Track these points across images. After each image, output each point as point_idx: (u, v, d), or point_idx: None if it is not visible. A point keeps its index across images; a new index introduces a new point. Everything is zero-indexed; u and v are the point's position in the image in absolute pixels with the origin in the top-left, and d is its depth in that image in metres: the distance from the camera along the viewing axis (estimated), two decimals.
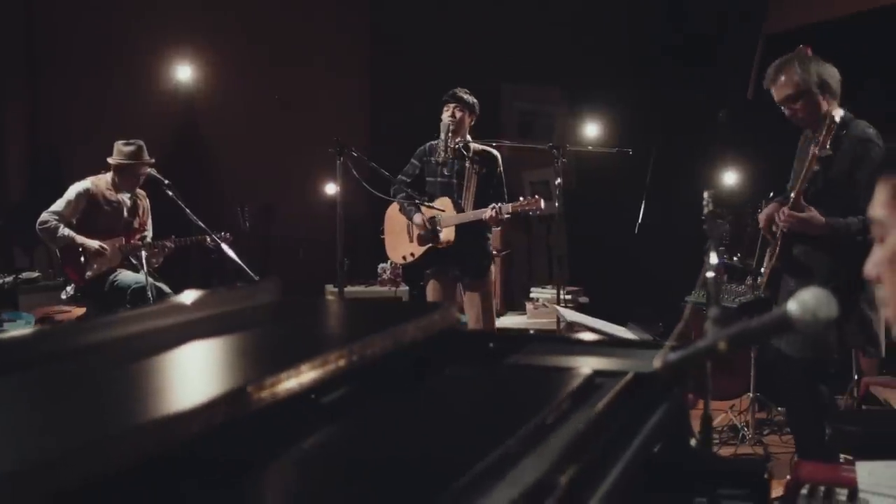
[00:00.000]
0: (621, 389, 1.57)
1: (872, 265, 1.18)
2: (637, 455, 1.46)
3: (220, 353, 1.63)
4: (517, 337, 2.05)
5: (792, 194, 3.83)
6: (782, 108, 3.93)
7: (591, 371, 1.67)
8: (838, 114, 3.64)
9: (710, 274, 1.71)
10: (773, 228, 3.99)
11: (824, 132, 3.63)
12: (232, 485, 1.12)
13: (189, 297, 1.87)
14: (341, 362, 1.50)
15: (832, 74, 3.86)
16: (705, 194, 1.89)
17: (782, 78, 3.87)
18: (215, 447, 1.18)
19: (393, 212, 5.81)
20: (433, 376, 1.69)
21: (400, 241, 5.76)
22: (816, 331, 1.16)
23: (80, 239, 5.76)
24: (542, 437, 1.31)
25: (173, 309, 1.83)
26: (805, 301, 1.15)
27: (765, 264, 4.16)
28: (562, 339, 2.30)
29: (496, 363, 1.85)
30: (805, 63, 3.84)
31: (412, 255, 5.67)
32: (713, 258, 1.71)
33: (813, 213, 3.73)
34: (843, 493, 1.85)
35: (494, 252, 5.91)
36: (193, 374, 1.51)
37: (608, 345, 2.03)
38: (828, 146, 3.63)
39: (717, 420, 5.39)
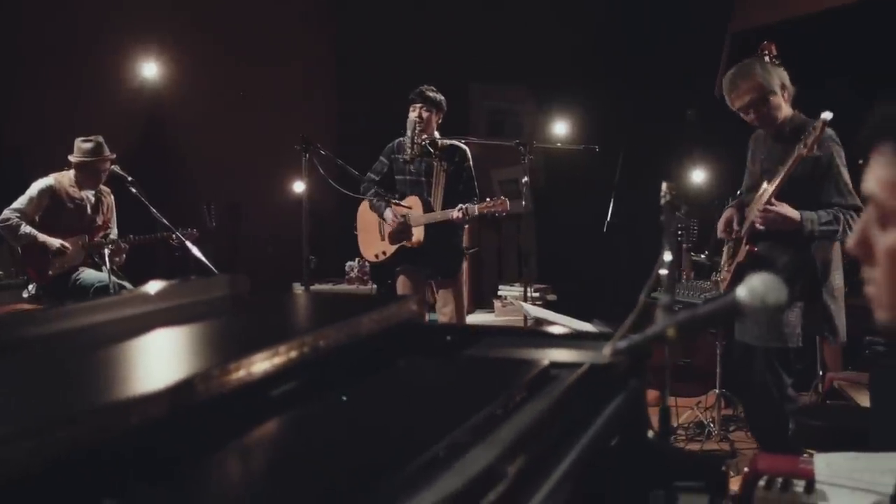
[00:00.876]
0: (576, 380, 1.56)
1: (860, 243, 1.15)
2: (590, 446, 1.44)
3: (173, 344, 1.61)
4: (476, 330, 2.02)
5: (768, 188, 3.85)
6: (741, 113, 3.98)
7: (548, 363, 1.65)
8: (827, 115, 3.68)
9: (663, 272, 1.69)
10: (735, 227, 4.08)
11: (815, 133, 3.65)
12: (172, 475, 1.10)
13: (148, 288, 1.85)
14: (293, 354, 1.48)
15: (786, 75, 3.94)
16: (664, 185, 1.88)
17: (745, 84, 3.91)
18: (162, 437, 1.16)
19: (365, 209, 5.79)
20: (388, 368, 1.67)
21: (372, 239, 5.74)
22: (766, 316, 1.15)
23: (42, 237, 5.69)
24: (493, 426, 1.29)
25: (130, 300, 1.81)
26: (754, 287, 1.15)
27: (723, 264, 4.25)
28: (521, 333, 2.29)
29: (453, 355, 1.83)
30: (766, 66, 3.91)
31: (384, 253, 5.66)
32: (667, 255, 1.69)
33: (787, 208, 3.79)
34: (800, 485, 1.85)
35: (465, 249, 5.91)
36: (144, 365, 1.48)
37: (567, 338, 2.02)
38: (815, 148, 3.67)
39: (684, 417, 5.41)
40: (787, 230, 3.81)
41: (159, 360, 1.52)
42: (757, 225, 3.87)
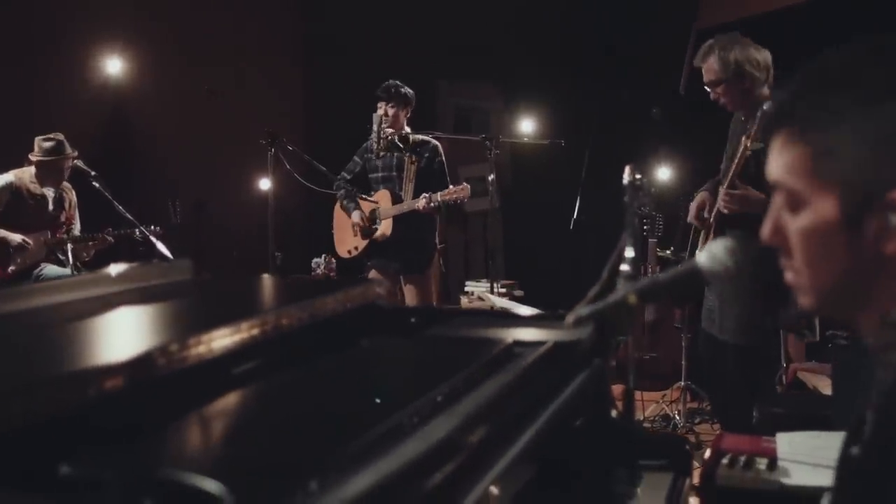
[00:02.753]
0: (539, 356, 1.56)
1: (774, 232, 1.16)
2: (552, 420, 1.45)
3: (135, 322, 1.60)
4: (440, 312, 2.02)
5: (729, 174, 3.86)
6: (709, 89, 3.98)
7: (512, 341, 1.65)
8: (768, 106, 3.68)
9: (627, 249, 1.69)
10: (706, 215, 4.04)
11: (755, 123, 3.66)
12: (130, 443, 1.09)
13: (109, 270, 1.83)
14: (255, 332, 1.47)
15: (760, 60, 3.89)
16: (626, 168, 1.88)
17: (708, 61, 3.92)
18: (121, 409, 1.14)
19: (339, 208, 5.80)
20: (350, 347, 1.66)
21: (346, 235, 5.75)
22: (724, 280, 1.15)
23: (2, 232, 5.62)
24: (455, 399, 1.29)
25: (91, 281, 1.80)
26: (714, 252, 1.15)
27: (698, 251, 4.21)
28: (486, 314, 2.29)
29: (416, 335, 1.83)
30: (728, 48, 3.88)
31: (356, 248, 5.68)
32: (629, 236, 1.69)
33: (750, 190, 3.77)
34: (762, 463, 1.87)
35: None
36: (104, 341, 1.47)
37: (532, 319, 2.02)
38: (758, 138, 3.66)
39: (649, 410, 5.43)
40: (755, 214, 3.78)
41: (120, 336, 1.50)
42: (722, 209, 3.86)
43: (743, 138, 3.72)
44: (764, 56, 3.90)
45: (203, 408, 1.26)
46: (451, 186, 5.30)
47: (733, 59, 3.85)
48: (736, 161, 3.77)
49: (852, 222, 1.07)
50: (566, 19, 7.84)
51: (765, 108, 3.60)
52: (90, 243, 5.83)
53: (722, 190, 3.87)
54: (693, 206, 4.15)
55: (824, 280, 1.13)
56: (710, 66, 3.89)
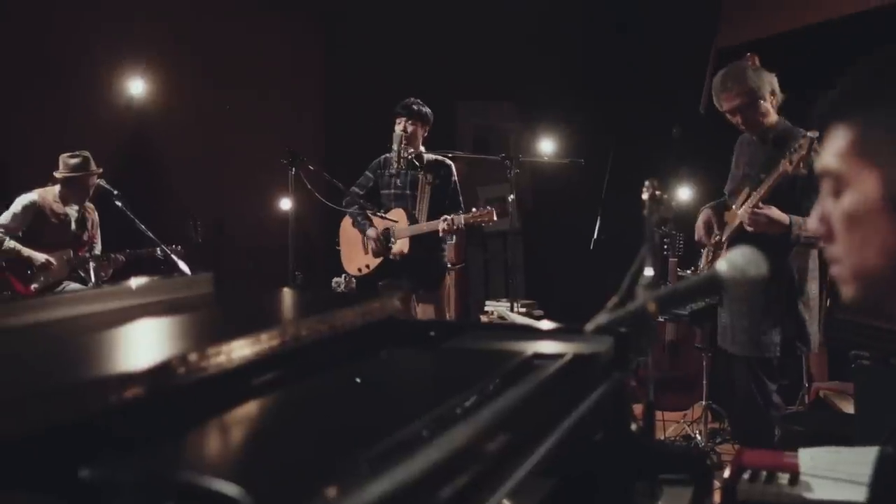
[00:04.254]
0: (559, 368, 1.55)
1: (821, 221, 1.18)
2: (571, 432, 1.44)
3: (154, 333, 1.61)
4: (460, 325, 2.02)
5: (754, 194, 3.88)
6: (728, 115, 4.01)
7: (531, 353, 1.65)
8: (814, 134, 3.69)
9: (646, 263, 1.68)
10: (716, 231, 4.10)
11: (802, 151, 3.67)
12: (149, 449, 1.09)
13: (130, 283, 1.85)
14: (273, 342, 1.47)
15: (773, 84, 3.99)
16: (646, 182, 1.88)
17: (735, 87, 3.94)
18: (140, 417, 1.15)
19: (347, 223, 5.79)
20: (369, 358, 1.66)
21: (355, 252, 5.74)
22: (746, 288, 1.15)
23: (26, 251, 5.68)
24: (473, 409, 1.29)
25: (112, 293, 1.81)
26: (733, 260, 1.15)
27: (703, 267, 4.27)
28: (505, 327, 2.28)
29: (435, 348, 1.83)
30: (757, 71, 3.95)
31: (367, 266, 5.66)
32: (648, 248, 1.68)
33: (774, 210, 3.82)
34: (784, 478, 1.85)
35: (449, 265, 5.90)
36: (124, 350, 1.48)
37: (551, 332, 2.01)
38: (802, 166, 3.68)
39: (671, 430, 5.40)
40: (771, 234, 3.82)
41: (140, 345, 1.51)
42: (746, 226, 3.89)
43: (783, 161, 3.73)
44: (774, 79, 3.98)
45: (222, 416, 1.26)
46: (474, 209, 5.29)
47: (767, 80, 3.92)
48: (771, 182, 3.79)
49: (894, 201, 1.09)
50: (585, 38, 7.86)
51: (810, 135, 3.62)
52: (104, 262, 5.88)
53: (746, 207, 3.88)
54: (699, 225, 4.21)
55: (865, 261, 1.14)
56: (744, 88, 3.93)
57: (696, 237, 4.32)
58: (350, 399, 1.41)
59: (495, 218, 5.27)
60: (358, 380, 1.49)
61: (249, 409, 1.31)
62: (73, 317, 1.65)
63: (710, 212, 4.21)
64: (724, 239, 4.09)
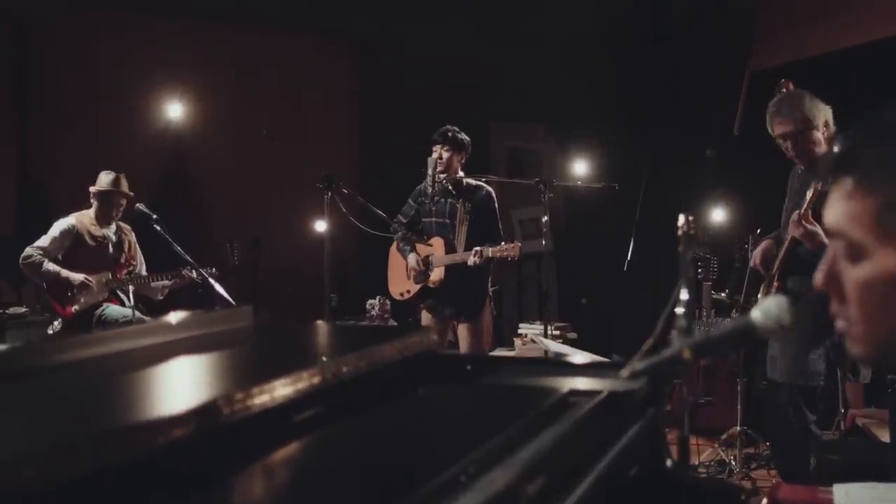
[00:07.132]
0: (594, 406, 1.57)
1: (829, 279, 1.15)
2: (608, 471, 1.46)
3: (197, 370, 1.64)
4: (496, 360, 2.04)
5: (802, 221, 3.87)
6: (779, 140, 3.98)
7: (567, 390, 1.67)
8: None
9: (679, 310, 1.67)
10: (772, 266, 4.07)
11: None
12: (197, 493, 1.12)
13: (170, 318, 1.88)
14: (315, 380, 1.50)
15: (827, 114, 3.95)
16: (681, 217, 1.89)
17: (789, 113, 3.92)
18: (186, 459, 1.18)
19: (395, 249, 5.86)
20: (408, 395, 1.69)
21: (400, 277, 5.80)
22: (779, 337, 1.16)
23: (65, 272, 5.77)
24: (512, 450, 1.31)
25: (153, 329, 1.85)
26: (768, 308, 1.17)
27: (761, 299, 4.23)
28: (541, 362, 2.30)
29: (472, 383, 1.85)
30: (814, 101, 3.91)
31: (409, 291, 5.72)
32: (684, 285, 1.69)
33: (820, 228, 3.79)
34: None
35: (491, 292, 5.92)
36: (169, 389, 1.51)
37: (586, 367, 2.03)
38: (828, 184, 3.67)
39: (705, 455, 5.37)
40: (816, 264, 3.80)
41: (183, 384, 1.55)
42: (791, 232, 3.86)
43: (815, 182, 3.72)
44: (829, 112, 3.94)
45: (266, 455, 1.29)
46: (503, 243, 5.30)
47: (823, 111, 3.89)
48: (809, 199, 3.77)
49: None
50: (619, 61, 7.87)
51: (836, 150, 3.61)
52: (164, 282, 5.97)
53: (794, 216, 3.84)
54: (758, 254, 4.18)
55: (880, 332, 1.12)
56: (800, 115, 3.89)
57: (752, 264, 4.29)
58: (390, 439, 1.43)
59: (519, 254, 5.27)
60: (397, 418, 1.52)
61: (291, 449, 1.34)
62: (117, 354, 1.69)
63: (770, 242, 4.17)
64: (774, 270, 4.06)
